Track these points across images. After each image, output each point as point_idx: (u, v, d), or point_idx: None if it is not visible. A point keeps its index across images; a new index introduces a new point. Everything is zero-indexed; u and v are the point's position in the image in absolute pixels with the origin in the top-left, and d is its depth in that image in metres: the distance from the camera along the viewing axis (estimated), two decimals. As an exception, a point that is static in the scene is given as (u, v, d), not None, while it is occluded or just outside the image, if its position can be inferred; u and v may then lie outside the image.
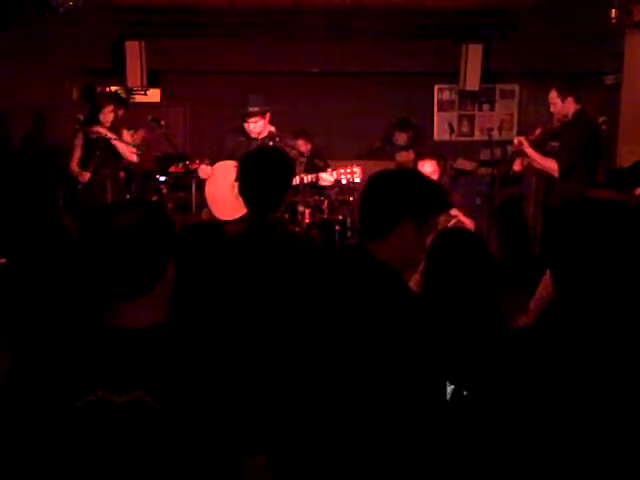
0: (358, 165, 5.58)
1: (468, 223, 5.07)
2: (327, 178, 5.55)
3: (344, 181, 5.62)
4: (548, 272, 2.95)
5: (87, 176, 6.11)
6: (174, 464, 1.54)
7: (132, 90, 8.33)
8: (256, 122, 5.41)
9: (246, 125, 5.44)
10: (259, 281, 2.68)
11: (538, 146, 5.47)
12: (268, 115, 5.43)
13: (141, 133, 6.36)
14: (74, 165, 6.22)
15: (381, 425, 2.01)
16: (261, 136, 5.46)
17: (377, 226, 2.13)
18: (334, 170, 5.57)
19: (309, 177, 5.55)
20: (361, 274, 2.10)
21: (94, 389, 1.58)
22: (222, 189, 5.48)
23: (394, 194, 2.14)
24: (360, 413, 2.01)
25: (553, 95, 5.40)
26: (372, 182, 2.20)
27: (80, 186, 6.17)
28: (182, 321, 1.69)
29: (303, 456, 2.06)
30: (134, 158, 6.27)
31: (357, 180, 5.59)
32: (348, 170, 5.56)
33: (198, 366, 1.60)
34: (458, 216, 4.99)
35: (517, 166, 5.78)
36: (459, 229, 3.22)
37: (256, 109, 5.40)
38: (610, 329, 1.74)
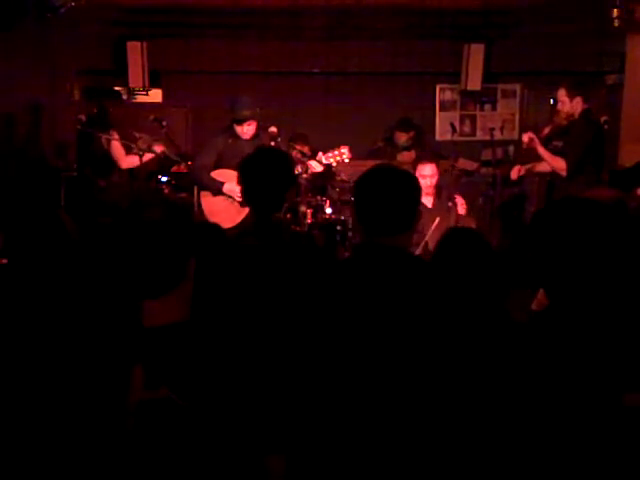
0: (345, 145, 5.55)
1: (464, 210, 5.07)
2: (316, 165, 5.51)
3: (334, 163, 5.58)
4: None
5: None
6: (196, 460, 1.54)
7: (134, 90, 8.33)
8: (250, 125, 5.39)
9: (239, 128, 5.40)
10: (270, 281, 2.67)
11: (543, 144, 5.47)
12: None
13: (160, 147, 6.37)
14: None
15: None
16: (251, 137, 5.42)
17: (404, 220, 2.20)
18: (323, 155, 5.53)
19: (298, 168, 5.47)
20: (405, 270, 2.11)
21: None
22: (220, 199, 5.44)
23: (413, 189, 2.23)
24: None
25: (562, 94, 5.41)
26: (380, 180, 2.23)
27: (103, 184, 6.26)
28: (196, 321, 1.69)
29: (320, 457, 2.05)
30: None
31: (346, 160, 5.56)
32: (336, 152, 5.53)
33: (217, 365, 1.60)
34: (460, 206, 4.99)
35: (514, 174, 5.75)
36: (465, 229, 3.22)
37: (249, 112, 5.38)
38: (601, 328, 1.74)
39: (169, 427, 1.54)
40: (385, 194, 2.17)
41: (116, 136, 6.30)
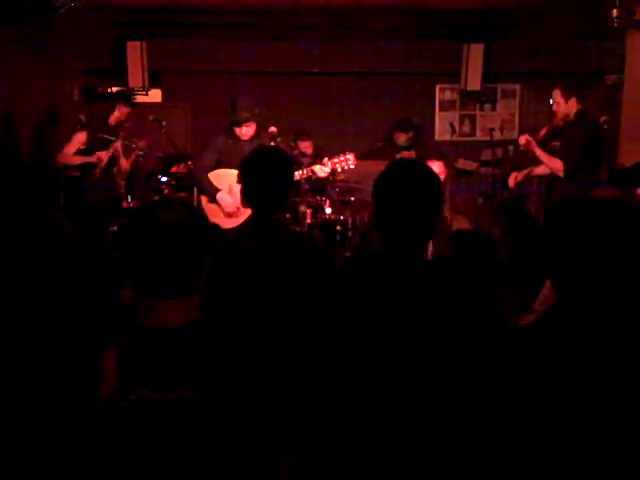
0: (350, 152, 5.53)
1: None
2: (322, 170, 5.47)
3: (339, 169, 5.55)
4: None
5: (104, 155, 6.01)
6: (216, 458, 1.54)
7: (133, 90, 8.33)
8: (249, 127, 5.38)
9: (238, 130, 5.38)
10: (271, 281, 2.67)
11: (541, 146, 5.46)
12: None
13: (143, 142, 6.35)
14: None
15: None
16: (250, 138, 5.40)
17: (429, 232, 2.15)
18: (329, 160, 5.50)
19: (302, 172, 5.44)
20: (429, 280, 2.09)
21: (136, 389, 1.57)
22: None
23: (438, 190, 2.14)
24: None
25: (557, 94, 5.39)
26: (410, 184, 2.13)
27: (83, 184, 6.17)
28: (209, 320, 1.70)
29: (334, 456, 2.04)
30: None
31: (352, 166, 5.53)
32: (342, 158, 5.50)
33: (231, 363, 1.61)
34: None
35: (511, 182, 5.74)
36: (478, 233, 3.20)
37: (247, 114, 5.36)
38: (611, 328, 1.74)
39: (190, 426, 1.54)
40: (414, 211, 2.08)
41: (80, 133, 6.19)
